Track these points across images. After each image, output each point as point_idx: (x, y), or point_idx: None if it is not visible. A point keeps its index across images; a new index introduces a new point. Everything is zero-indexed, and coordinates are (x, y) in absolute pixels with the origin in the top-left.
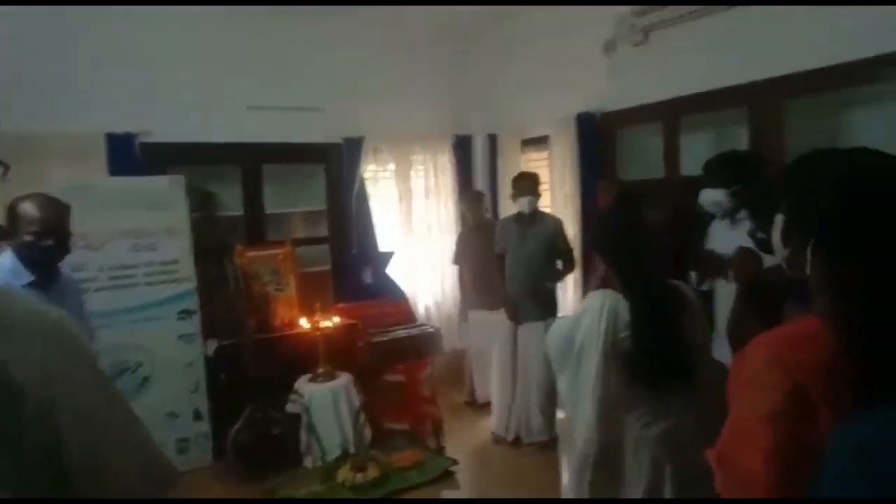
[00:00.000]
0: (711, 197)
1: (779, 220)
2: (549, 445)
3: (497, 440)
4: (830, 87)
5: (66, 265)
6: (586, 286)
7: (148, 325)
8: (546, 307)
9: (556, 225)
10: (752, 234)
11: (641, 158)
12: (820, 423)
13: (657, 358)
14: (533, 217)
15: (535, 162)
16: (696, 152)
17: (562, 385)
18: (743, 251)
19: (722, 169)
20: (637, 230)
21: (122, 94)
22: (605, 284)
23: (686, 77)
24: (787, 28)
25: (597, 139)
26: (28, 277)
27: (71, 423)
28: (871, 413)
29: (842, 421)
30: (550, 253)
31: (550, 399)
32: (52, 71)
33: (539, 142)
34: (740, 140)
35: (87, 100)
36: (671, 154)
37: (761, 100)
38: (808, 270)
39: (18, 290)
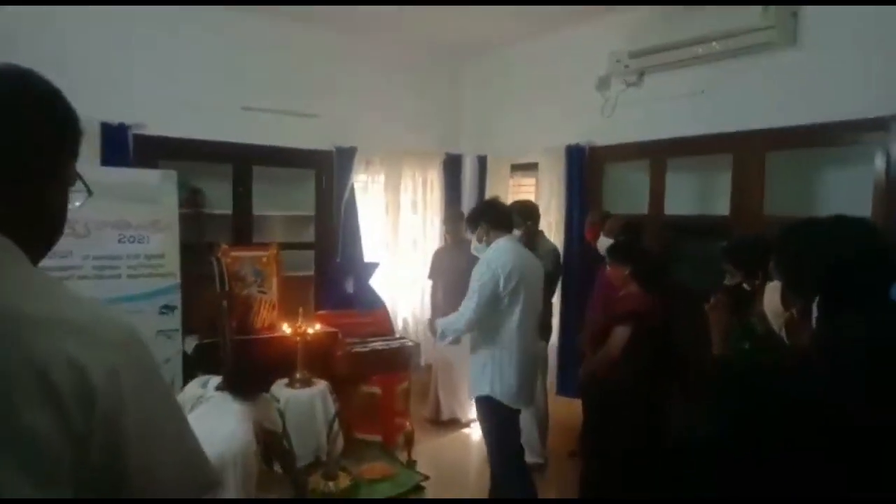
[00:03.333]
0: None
1: (773, 286)
2: (532, 470)
3: None
4: (807, 144)
5: (52, 252)
6: (566, 310)
7: (129, 317)
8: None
9: None
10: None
11: (627, 194)
12: None
13: None
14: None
15: (524, 187)
16: (680, 192)
17: None
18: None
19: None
20: None
21: (120, 85)
22: None
23: (675, 120)
24: (774, 85)
25: (584, 171)
26: None
27: (134, 433)
28: None
29: None
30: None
31: (533, 423)
32: (50, 55)
33: (528, 168)
34: (724, 185)
35: (85, 88)
36: (656, 193)
37: (744, 150)
38: (813, 325)
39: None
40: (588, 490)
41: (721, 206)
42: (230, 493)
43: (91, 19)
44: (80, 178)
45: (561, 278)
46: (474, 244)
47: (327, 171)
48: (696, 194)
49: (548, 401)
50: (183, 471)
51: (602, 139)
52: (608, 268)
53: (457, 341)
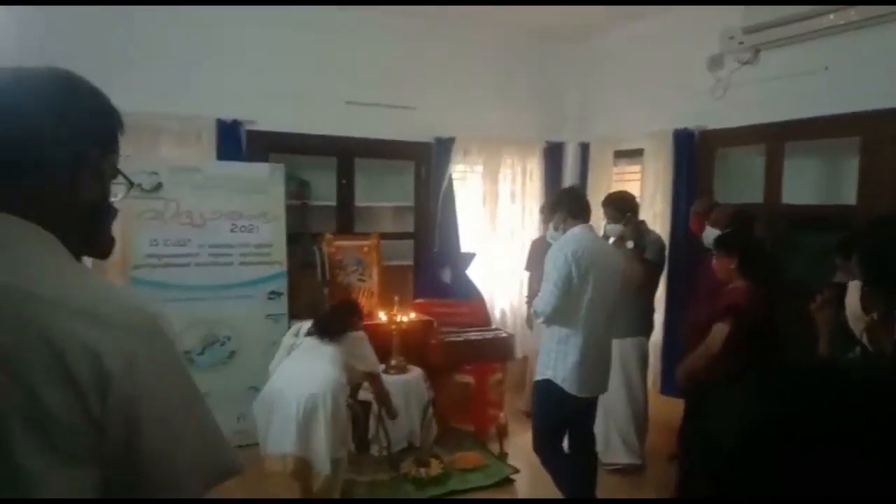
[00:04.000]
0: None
1: (854, 286)
2: (628, 471)
3: None
4: None
5: (172, 240)
6: (670, 305)
7: (240, 302)
8: (628, 324)
9: None
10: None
11: (740, 181)
12: None
13: None
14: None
15: (628, 175)
16: (800, 180)
17: None
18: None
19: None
20: None
21: (233, 83)
22: None
23: (795, 100)
24: None
25: (693, 157)
26: None
27: (151, 418)
28: None
29: None
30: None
31: (630, 421)
32: (170, 58)
33: (633, 154)
34: (851, 171)
35: (202, 88)
36: (773, 180)
37: (875, 132)
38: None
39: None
40: (683, 494)
41: (847, 195)
42: (321, 427)
43: (205, 21)
44: (121, 172)
45: (666, 271)
46: (550, 232)
47: (426, 162)
48: (819, 182)
49: (647, 400)
50: (202, 458)
51: (713, 122)
52: (714, 260)
53: (549, 323)
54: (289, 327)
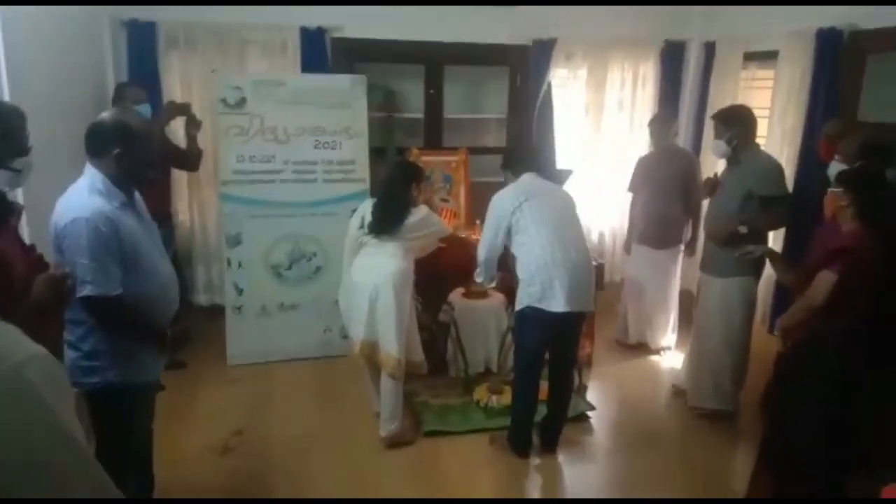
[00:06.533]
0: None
1: None
2: (716, 417)
3: (676, 392)
4: None
5: (258, 156)
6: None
7: (324, 219)
8: (734, 263)
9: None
10: None
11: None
12: None
13: None
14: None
15: (758, 82)
16: None
17: None
18: None
19: None
20: None
21: None
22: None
23: None
24: None
25: (839, 64)
26: (121, 198)
27: (20, 477)
28: None
29: None
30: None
31: (725, 366)
32: None
33: (766, 57)
34: None
35: None
36: None
37: None
38: None
39: (113, 213)
40: (764, 463)
41: None
42: (385, 313)
43: None
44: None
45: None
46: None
47: (522, 68)
48: None
49: (749, 345)
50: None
51: (868, 21)
52: (827, 193)
53: (489, 280)
54: None
